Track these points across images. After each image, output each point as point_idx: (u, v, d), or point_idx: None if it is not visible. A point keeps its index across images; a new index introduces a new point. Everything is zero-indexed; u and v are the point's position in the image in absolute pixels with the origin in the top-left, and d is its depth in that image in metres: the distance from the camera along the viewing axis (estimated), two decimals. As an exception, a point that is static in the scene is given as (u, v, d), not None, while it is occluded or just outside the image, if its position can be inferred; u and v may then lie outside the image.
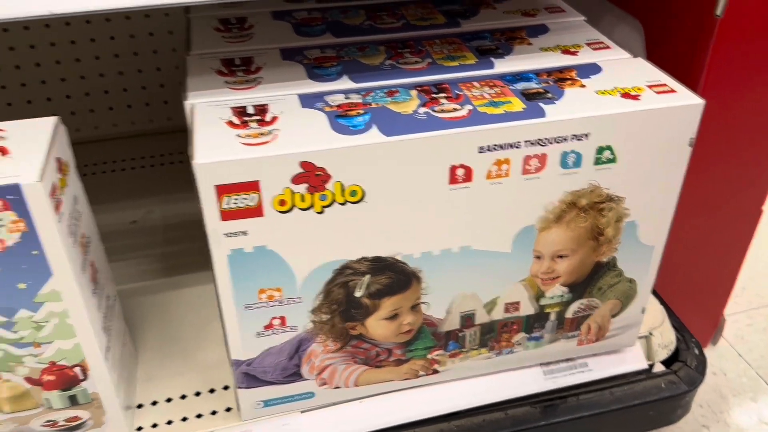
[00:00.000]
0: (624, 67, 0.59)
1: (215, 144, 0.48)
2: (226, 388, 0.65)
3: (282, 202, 0.49)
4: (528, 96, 0.54)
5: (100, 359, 0.54)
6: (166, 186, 0.95)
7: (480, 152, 0.51)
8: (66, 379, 0.54)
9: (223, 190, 0.48)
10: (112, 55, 1.00)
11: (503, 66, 0.59)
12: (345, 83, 0.57)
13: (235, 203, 0.49)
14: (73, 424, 0.57)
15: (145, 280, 0.78)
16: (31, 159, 0.46)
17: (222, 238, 0.50)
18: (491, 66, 0.59)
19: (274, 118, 0.51)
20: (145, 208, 0.90)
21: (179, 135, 1.07)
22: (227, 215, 0.49)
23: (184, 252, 0.83)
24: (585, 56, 0.61)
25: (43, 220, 0.46)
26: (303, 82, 0.57)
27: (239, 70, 0.59)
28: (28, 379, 0.53)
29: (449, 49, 0.62)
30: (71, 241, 0.49)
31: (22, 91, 0.99)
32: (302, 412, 0.62)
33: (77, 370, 0.54)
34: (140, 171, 0.98)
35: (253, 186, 0.48)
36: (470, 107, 0.52)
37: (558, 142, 0.52)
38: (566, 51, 0.62)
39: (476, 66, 0.59)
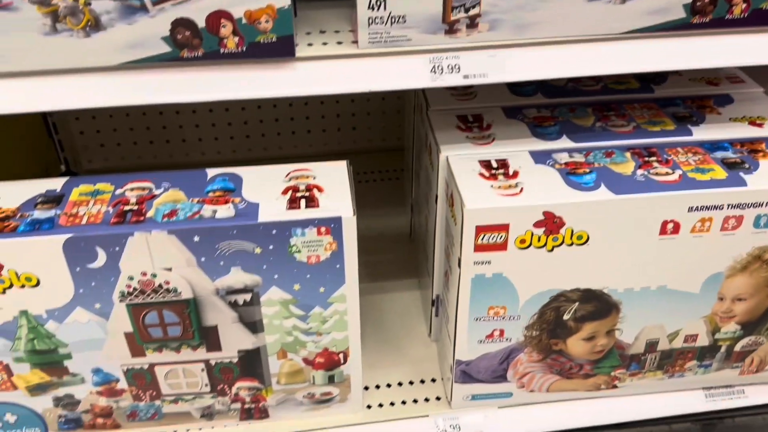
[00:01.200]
0: (809, 140, 0.68)
1: (477, 193, 0.61)
2: (433, 380, 0.79)
3: (522, 241, 0.62)
4: (728, 165, 0.64)
5: (358, 349, 0.69)
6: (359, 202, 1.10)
7: (689, 211, 0.62)
8: (332, 362, 0.69)
9: (481, 229, 0.61)
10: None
11: (700, 134, 0.70)
12: (566, 142, 0.69)
13: (487, 240, 0.62)
14: (326, 398, 0.73)
15: (354, 284, 0.93)
16: (342, 196, 0.62)
17: (471, 265, 0.63)
18: (690, 133, 0.70)
19: (515, 173, 0.64)
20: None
21: (374, 156, 1.23)
22: (479, 248, 0.62)
23: (383, 261, 0.98)
24: (771, 128, 0.71)
25: (349, 243, 0.61)
26: (529, 140, 0.70)
27: (474, 126, 0.72)
28: (305, 360, 0.69)
29: (649, 114, 0.73)
30: (356, 258, 0.64)
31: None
32: (499, 408, 0.75)
33: (341, 356, 0.69)
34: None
35: (504, 228, 0.61)
36: (680, 172, 0.63)
37: (755, 207, 0.62)
38: (752, 122, 0.72)
39: (676, 132, 0.70)
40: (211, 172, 0.65)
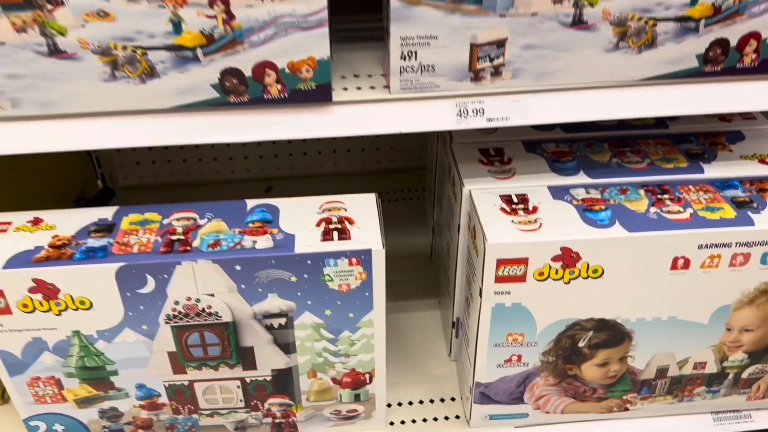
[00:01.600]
0: (816, 180, 0.72)
1: (499, 229, 0.66)
2: (453, 399, 0.83)
3: (540, 273, 0.66)
4: (737, 204, 0.68)
5: (383, 369, 0.74)
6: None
7: (699, 248, 0.66)
8: (358, 381, 0.74)
9: (501, 262, 0.65)
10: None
11: (711, 171, 0.73)
12: (583, 178, 0.73)
13: (507, 272, 0.66)
14: (352, 414, 0.77)
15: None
16: (372, 229, 0.66)
17: (492, 295, 0.67)
18: (701, 171, 0.74)
19: (535, 208, 0.68)
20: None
21: (397, 175, 1.27)
22: (499, 279, 0.66)
23: (404, 281, 1.02)
24: (781, 167, 0.74)
25: (378, 274, 0.65)
26: (548, 175, 0.74)
27: (495, 160, 0.77)
28: (333, 379, 0.73)
29: (663, 150, 0.77)
30: (384, 286, 0.69)
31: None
32: (516, 427, 0.79)
33: (366, 376, 0.74)
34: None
35: (523, 261, 0.65)
36: (691, 210, 0.67)
37: (761, 245, 0.66)
38: (762, 161, 0.75)
39: (688, 169, 0.74)
40: (251, 203, 0.70)
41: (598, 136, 0.80)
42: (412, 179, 1.25)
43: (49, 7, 0.53)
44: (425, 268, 1.06)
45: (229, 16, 0.55)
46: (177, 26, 0.55)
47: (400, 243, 1.11)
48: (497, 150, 0.78)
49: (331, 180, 1.27)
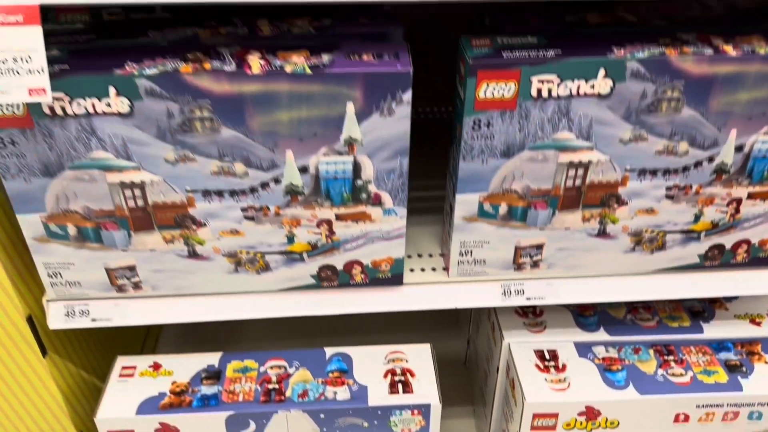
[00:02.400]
0: (798, 344, 0.86)
1: (535, 387, 0.80)
2: (486, 508, 0.97)
3: (568, 424, 0.81)
4: (729, 368, 0.82)
5: (431, 490, 0.88)
6: (418, 326, 1.29)
7: (697, 407, 0.80)
8: (410, 499, 0.88)
9: (536, 415, 0.80)
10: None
11: (709, 332, 0.88)
12: (603, 335, 0.88)
13: (541, 423, 0.81)
14: None
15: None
16: (430, 382, 0.81)
17: (527, 438, 0.82)
18: (701, 330, 0.88)
19: (564, 366, 0.83)
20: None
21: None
22: (534, 428, 0.81)
23: (441, 387, 1.16)
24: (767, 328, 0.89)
25: (434, 420, 0.80)
26: (573, 330, 0.89)
27: (529, 311, 0.91)
28: (390, 496, 0.88)
29: (669, 307, 0.92)
30: (437, 426, 0.83)
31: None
32: None
33: (418, 494, 0.88)
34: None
35: (554, 415, 0.80)
36: (692, 374, 0.82)
37: (749, 406, 0.80)
38: (753, 320, 0.90)
39: (690, 329, 0.88)
40: (329, 351, 0.85)
41: (615, 290, 0.95)
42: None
43: (194, 227, 0.69)
44: (459, 374, 1.20)
45: (331, 232, 0.71)
46: (290, 239, 0.71)
47: (436, 348, 1.25)
48: (530, 301, 0.94)
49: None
